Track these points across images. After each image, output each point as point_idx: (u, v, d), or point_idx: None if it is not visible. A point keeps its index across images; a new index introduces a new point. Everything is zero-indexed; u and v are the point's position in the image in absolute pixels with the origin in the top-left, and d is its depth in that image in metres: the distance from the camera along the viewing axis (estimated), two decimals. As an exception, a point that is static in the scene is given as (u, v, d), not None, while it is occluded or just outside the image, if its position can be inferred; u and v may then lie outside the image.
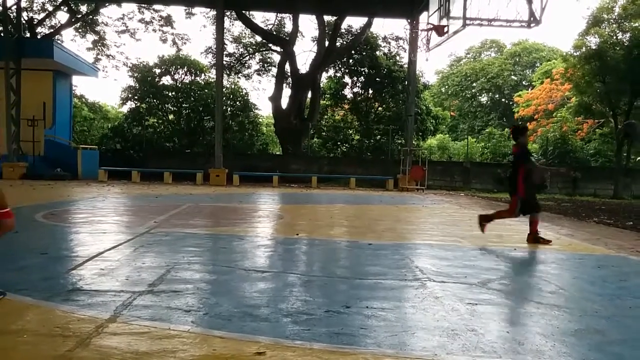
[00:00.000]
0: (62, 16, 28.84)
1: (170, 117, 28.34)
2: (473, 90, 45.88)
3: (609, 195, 22.06)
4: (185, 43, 29.67)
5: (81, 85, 70.18)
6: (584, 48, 22.87)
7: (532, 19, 16.82)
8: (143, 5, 26.26)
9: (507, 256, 6.09)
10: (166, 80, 28.13)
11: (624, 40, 22.39)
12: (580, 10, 53.96)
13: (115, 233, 6.93)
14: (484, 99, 46.76)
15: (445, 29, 17.72)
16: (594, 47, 22.54)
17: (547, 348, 3.00)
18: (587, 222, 10.88)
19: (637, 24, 22.08)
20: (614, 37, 22.66)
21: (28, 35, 25.76)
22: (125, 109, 29.38)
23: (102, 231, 6.95)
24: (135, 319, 3.23)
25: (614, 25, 22.74)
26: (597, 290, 4.63)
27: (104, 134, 27.85)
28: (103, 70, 29.37)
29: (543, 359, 2.84)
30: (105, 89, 64.87)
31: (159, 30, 28.23)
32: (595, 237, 8.29)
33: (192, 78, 28.29)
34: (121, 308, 3.44)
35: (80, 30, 28.72)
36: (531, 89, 38.28)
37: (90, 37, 29.11)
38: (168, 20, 27.83)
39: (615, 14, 22.64)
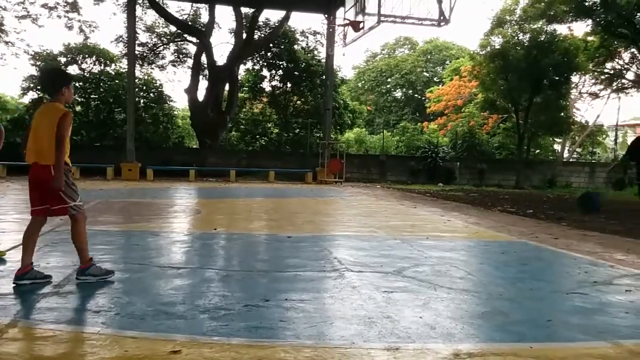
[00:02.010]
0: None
1: (78, 108, 26.78)
2: (388, 86, 47.16)
3: (512, 186, 23.52)
4: (93, 31, 27.96)
5: (-25, 73, 64.58)
6: (488, 47, 24.16)
7: (442, 18, 17.53)
8: (46, -12, 24.56)
9: (420, 245, 6.33)
10: (73, 69, 26.50)
11: (525, 40, 23.89)
12: (485, 11, 56.91)
13: (16, 232, 6.44)
14: (398, 94, 48.20)
15: (361, 25, 18.08)
16: (497, 47, 23.87)
17: (457, 331, 3.16)
18: (492, 211, 11.54)
19: (535, 26, 23.63)
20: (516, 38, 24.12)
21: None
22: (26, 99, 27.42)
23: (0, 230, 6.46)
24: (40, 323, 3.04)
25: (516, 27, 24.21)
26: (501, 274, 4.94)
27: (3, 126, 25.87)
28: (1, 58, 27.17)
29: (453, 341, 2.99)
30: (3, 78, 60.05)
31: (64, 16, 26.49)
32: (500, 225, 8.82)
33: (102, 68, 26.88)
34: (23, 312, 3.21)
35: (-26, 14, 26.40)
36: (442, 85, 39.91)
37: (-14, 21, 26.84)
38: (74, 6, 26.15)
39: (517, 15, 24.09)
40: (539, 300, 3.99)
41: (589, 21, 21.26)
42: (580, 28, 68.09)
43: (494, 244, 6.80)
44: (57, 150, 3.82)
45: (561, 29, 24.68)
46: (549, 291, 4.30)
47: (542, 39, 23.26)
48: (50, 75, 4.26)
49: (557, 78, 23.51)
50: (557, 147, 34.03)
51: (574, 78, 27.44)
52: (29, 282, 3.88)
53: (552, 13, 22.12)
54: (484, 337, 3.09)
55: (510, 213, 11.14)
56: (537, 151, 30.27)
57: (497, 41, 24.26)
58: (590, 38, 24.00)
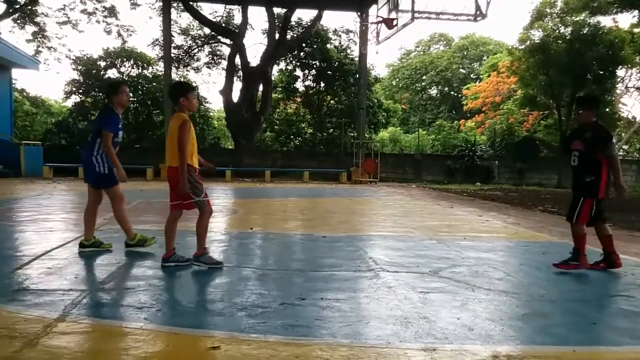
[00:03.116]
0: (-1, 6, 27.41)
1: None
2: (423, 84, 46.69)
3: (554, 185, 22.95)
4: (130, 35, 28.81)
5: (21, 78, 67.01)
6: (528, 42, 23.60)
7: (478, 12, 17.26)
8: (85, -5, 25.31)
9: (457, 245, 6.25)
10: (112, 73, 27.24)
11: (566, 33, 23.22)
12: (524, 4, 55.69)
13: (63, 231, 6.69)
14: (433, 91, 47.67)
15: (395, 22, 17.96)
16: (537, 41, 23.27)
17: (496, 332, 3.11)
18: (533, 211, 11.30)
19: (578, 18, 22.95)
20: (557, 31, 23.48)
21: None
22: (69, 103, 28.31)
23: (48, 229, 6.71)
24: (86, 318, 3.15)
25: (557, 20, 23.55)
26: (542, 275, 4.83)
27: (47, 129, 26.73)
28: (44, 63, 28.17)
29: (492, 343, 2.95)
30: (47, 82, 62.16)
31: (103, 21, 27.28)
32: (540, 225, 8.62)
33: (140, 71, 27.52)
34: (70, 307, 3.33)
35: (19, 22, 27.41)
36: (479, 82, 39.26)
37: (30, 28, 27.83)
38: (112, 11, 26.92)
39: (558, 8, 23.44)
40: (582, 303, 3.90)
41: (635, 12, 20.45)
42: (626, 20, 65.98)
43: (535, 245, 6.66)
44: (179, 155, 4.38)
45: (605, 21, 23.83)
46: (593, 293, 4.20)
47: (585, 31, 22.55)
48: (170, 88, 4.75)
49: (601, 72, 22.75)
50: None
51: (620, 72, 26.54)
52: (173, 265, 4.61)
53: (595, 4, 21.44)
54: (524, 340, 3.04)
55: (551, 213, 10.89)
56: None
57: (537, 35, 23.66)
58: (636, 30, 23.03)
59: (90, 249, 5.22)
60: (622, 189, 4.82)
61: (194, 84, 27.36)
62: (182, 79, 27.95)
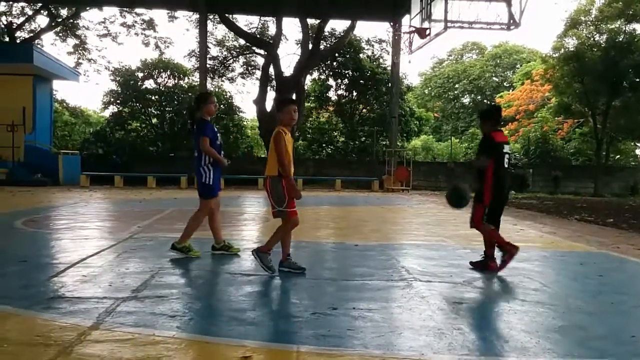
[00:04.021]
0: (42, 20, 28.47)
1: (154, 120, 28.11)
2: (455, 92, 46.24)
3: (590, 193, 22.36)
4: (168, 46, 29.47)
5: (62, 89, 69.14)
6: (562, 49, 23.19)
7: (511, 21, 17.03)
8: (125, 8, 26.05)
9: (491, 255, 6.12)
10: (149, 84, 27.92)
11: (601, 41, 22.75)
12: (558, 12, 54.76)
13: (98, 239, 6.84)
14: (466, 100, 47.14)
15: (427, 32, 17.86)
16: (572, 49, 22.86)
17: (532, 345, 3.03)
18: (569, 220, 11.01)
19: (613, 26, 22.44)
20: (592, 39, 23.02)
21: (7, 39, 25.39)
22: (107, 113, 29.11)
23: (84, 237, 6.86)
24: (119, 326, 3.19)
25: (591, 27, 23.10)
26: (580, 286, 4.69)
27: (85, 138, 27.52)
28: (84, 75, 29.03)
29: (528, 355, 2.86)
30: (86, 93, 64.11)
31: (142, 33, 28.04)
32: (577, 235, 8.39)
33: (176, 81, 28.11)
34: (104, 315, 3.38)
35: (60, 34, 28.40)
36: (512, 90, 38.66)
37: (71, 41, 28.80)
38: (150, 24, 27.64)
39: (592, 16, 23.00)
40: (621, 315, 3.76)
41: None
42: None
43: (572, 255, 6.48)
44: (279, 164, 4.59)
45: (641, 29, 23.28)
46: (632, 305, 4.04)
47: (621, 39, 22.06)
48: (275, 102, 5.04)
49: (637, 80, 22.19)
50: (639, 152, 32.00)
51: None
52: (286, 270, 4.78)
53: (630, 12, 20.98)
54: (561, 353, 2.94)
55: (588, 222, 10.58)
56: (617, 157, 28.63)
57: (571, 43, 23.26)
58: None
59: (220, 252, 5.73)
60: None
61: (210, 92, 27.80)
62: (217, 89, 28.44)
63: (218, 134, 5.73)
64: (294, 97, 25.68)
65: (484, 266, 5.18)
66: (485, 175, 5.13)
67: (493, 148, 5.14)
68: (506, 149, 5.20)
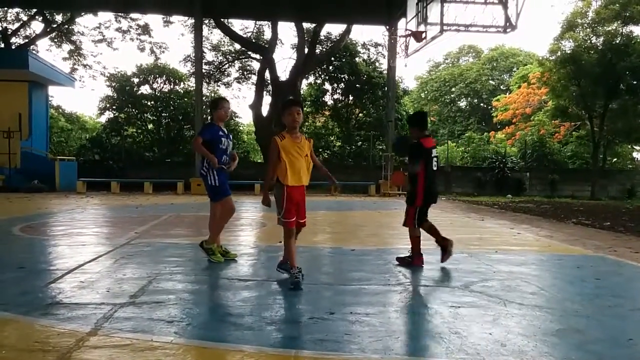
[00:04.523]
0: (37, 26, 28.49)
1: (150, 126, 28.12)
2: (452, 96, 46.37)
3: (587, 197, 22.43)
4: (163, 52, 29.52)
5: (58, 95, 69.31)
6: (559, 52, 23.29)
7: (507, 24, 17.07)
8: (120, 14, 26.07)
9: (488, 259, 6.15)
10: (145, 89, 27.94)
11: (598, 44, 22.85)
12: (554, 15, 55.01)
13: (95, 245, 6.83)
14: (462, 103, 47.28)
15: (423, 35, 17.90)
16: (568, 52, 22.96)
17: (529, 348, 3.04)
18: (566, 223, 11.04)
19: (610, 28, 22.55)
20: (588, 41, 23.12)
21: (2, 45, 25.39)
22: (103, 119, 29.13)
23: (81, 243, 6.85)
24: (117, 332, 3.19)
25: (588, 30, 23.20)
26: (577, 290, 4.70)
27: (82, 144, 27.49)
28: (80, 80, 29.04)
29: (525, 358, 2.87)
30: (82, 99, 64.02)
31: (137, 39, 28.06)
32: (574, 238, 8.42)
33: (171, 87, 28.14)
34: (102, 321, 3.38)
35: (55, 40, 28.40)
36: (509, 93, 38.81)
37: (67, 46, 28.81)
38: (145, 29, 27.67)
39: (589, 18, 23.11)
40: (619, 318, 3.77)
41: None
42: (659, 29, 64.33)
43: (568, 258, 6.50)
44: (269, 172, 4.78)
45: (638, 31, 23.48)
46: (629, 309, 4.05)
47: (618, 41, 22.16)
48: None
49: (634, 82, 22.30)
50: (636, 155, 32.13)
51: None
52: (282, 272, 4.89)
53: (627, 14, 21.10)
54: (559, 356, 2.95)
55: (585, 225, 10.62)
56: (615, 160, 28.74)
57: (568, 45, 23.37)
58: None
59: (205, 254, 5.73)
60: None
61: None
62: (213, 94, 28.47)
63: (224, 139, 5.77)
64: (291, 101, 25.75)
65: (407, 262, 5.60)
66: (417, 179, 5.52)
67: (424, 153, 5.49)
68: (434, 153, 5.59)
